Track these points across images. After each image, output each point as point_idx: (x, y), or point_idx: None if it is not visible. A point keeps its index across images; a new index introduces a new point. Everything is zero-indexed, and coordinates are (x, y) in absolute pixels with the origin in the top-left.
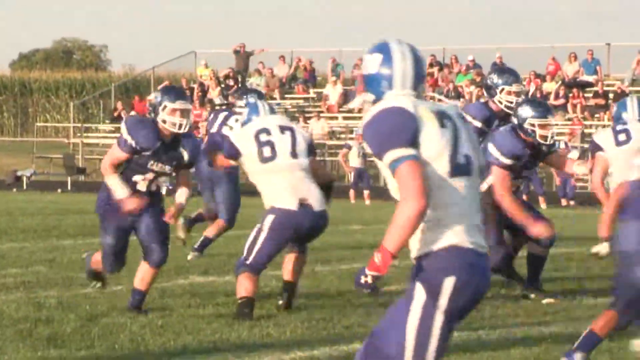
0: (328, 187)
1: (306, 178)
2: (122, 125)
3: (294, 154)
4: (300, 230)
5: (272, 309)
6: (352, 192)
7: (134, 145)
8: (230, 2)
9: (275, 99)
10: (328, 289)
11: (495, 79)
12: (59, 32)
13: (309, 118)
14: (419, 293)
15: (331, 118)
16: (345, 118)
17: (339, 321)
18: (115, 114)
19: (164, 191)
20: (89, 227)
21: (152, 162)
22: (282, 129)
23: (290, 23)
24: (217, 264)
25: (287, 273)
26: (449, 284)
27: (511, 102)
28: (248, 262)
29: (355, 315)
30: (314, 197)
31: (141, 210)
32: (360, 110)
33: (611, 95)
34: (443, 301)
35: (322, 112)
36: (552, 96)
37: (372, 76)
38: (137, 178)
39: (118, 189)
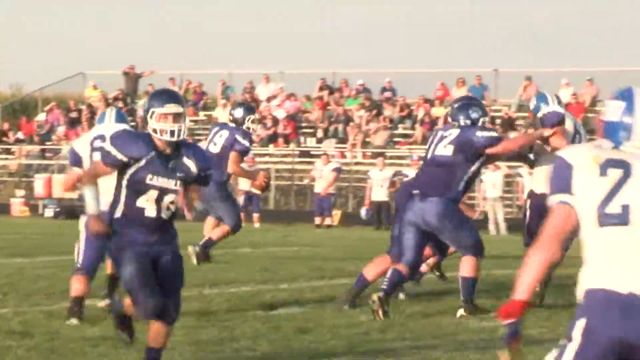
0: None
1: None
2: (107, 139)
3: None
4: None
5: None
6: (241, 215)
7: (119, 157)
8: (119, 24)
9: None
10: (217, 312)
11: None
12: None
13: (199, 141)
14: (563, 340)
15: None
16: None
17: (227, 344)
18: (4, 139)
19: (188, 216)
20: None
21: (150, 176)
22: None
23: (179, 45)
24: (102, 287)
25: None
26: (579, 326)
27: None
28: (79, 265)
29: (244, 339)
30: None
31: (157, 246)
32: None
33: (498, 121)
34: (573, 346)
35: None
36: (440, 121)
37: (612, 124)
38: (141, 202)
39: (90, 202)
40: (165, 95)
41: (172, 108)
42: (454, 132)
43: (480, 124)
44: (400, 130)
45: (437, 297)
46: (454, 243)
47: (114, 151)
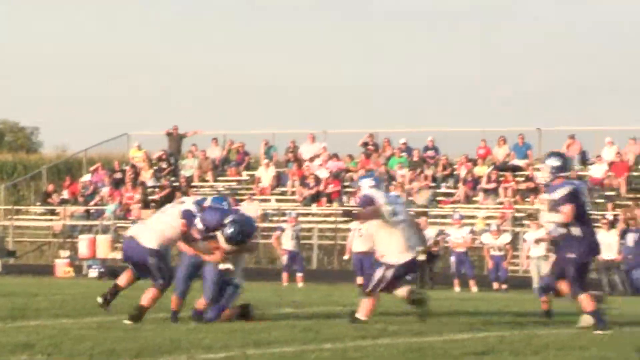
0: None
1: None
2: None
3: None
4: None
5: None
6: (284, 275)
7: None
8: (163, 85)
9: (208, 181)
10: None
11: None
12: None
13: (241, 200)
14: None
15: (264, 200)
16: (278, 200)
17: None
18: (49, 200)
19: None
20: (18, 309)
21: None
22: None
23: (222, 105)
24: (152, 346)
25: None
26: None
27: None
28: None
29: None
30: None
31: None
32: (293, 193)
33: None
34: None
35: (254, 194)
36: (483, 180)
37: None
38: None
39: None
40: None
41: None
42: None
43: None
44: (443, 189)
45: None
46: None
47: None
